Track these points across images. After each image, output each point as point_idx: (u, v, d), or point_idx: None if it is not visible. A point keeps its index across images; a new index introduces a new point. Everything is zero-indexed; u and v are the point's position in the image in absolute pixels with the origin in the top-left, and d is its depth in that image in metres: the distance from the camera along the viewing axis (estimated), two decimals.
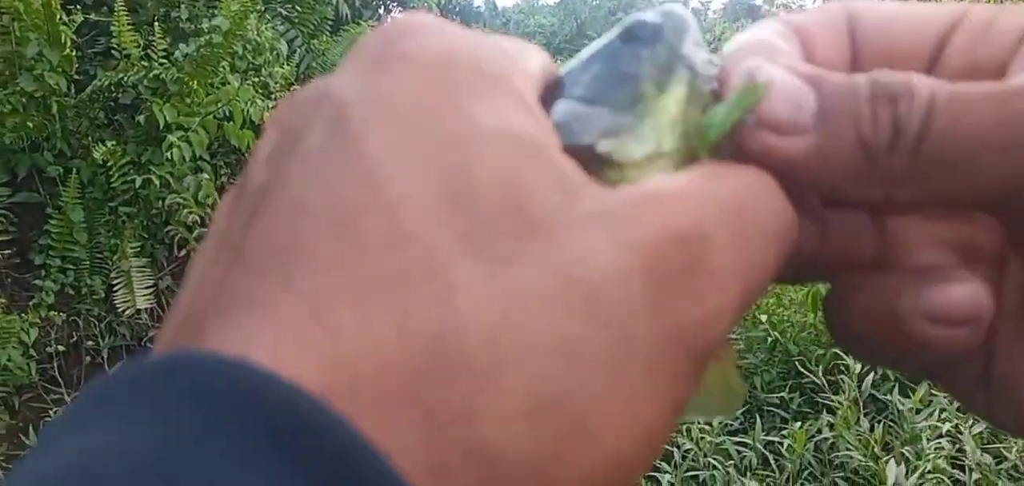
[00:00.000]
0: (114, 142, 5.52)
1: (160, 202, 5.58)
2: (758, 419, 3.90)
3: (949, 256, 0.25)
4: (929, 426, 2.71)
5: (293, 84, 6.82)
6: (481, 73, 0.21)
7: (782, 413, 3.46)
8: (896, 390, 3.74)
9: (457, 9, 29.78)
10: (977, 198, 0.23)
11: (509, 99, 0.21)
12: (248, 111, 5.80)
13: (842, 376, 3.71)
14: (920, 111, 0.22)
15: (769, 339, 4.18)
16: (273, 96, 6.41)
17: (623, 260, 0.19)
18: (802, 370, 3.87)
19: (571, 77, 0.25)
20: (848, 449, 2.81)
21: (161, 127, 5.43)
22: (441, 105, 0.20)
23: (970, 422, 2.58)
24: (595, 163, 0.22)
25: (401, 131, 0.20)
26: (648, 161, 0.23)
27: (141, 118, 5.61)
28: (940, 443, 2.61)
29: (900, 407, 2.86)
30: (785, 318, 4.37)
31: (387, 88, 0.21)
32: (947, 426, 2.67)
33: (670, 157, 0.23)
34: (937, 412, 2.76)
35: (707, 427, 3.52)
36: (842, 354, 3.75)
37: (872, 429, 2.84)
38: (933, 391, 3.57)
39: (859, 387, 3.57)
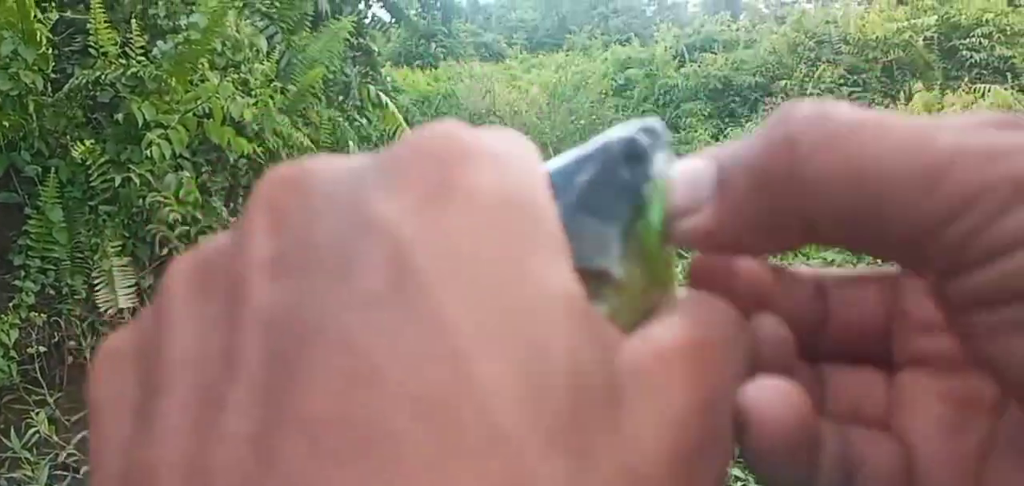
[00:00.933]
0: (93, 140, 5.48)
1: (141, 200, 5.55)
2: None
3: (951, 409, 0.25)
4: None
5: (273, 80, 6.81)
6: (529, 216, 0.20)
7: None
8: None
9: (438, 4, 29.43)
10: (875, 232, 0.22)
11: (555, 250, 0.20)
12: (228, 108, 5.79)
13: None
14: (797, 134, 0.22)
15: None
16: (253, 93, 6.39)
17: (668, 445, 0.19)
18: None
19: (560, 180, 0.24)
20: None
21: (140, 125, 5.40)
22: (506, 260, 0.19)
23: None
24: (596, 281, 0.23)
25: (475, 293, 0.18)
26: (643, 281, 0.24)
27: (120, 116, 5.57)
28: None
29: None
30: None
31: (451, 232, 0.18)
32: None
33: (653, 273, 0.25)
34: None
35: None
36: None
37: None
38: None
39: None
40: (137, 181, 5.41)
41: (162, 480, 0.17)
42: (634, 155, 0.25)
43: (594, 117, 12.08)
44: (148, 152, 5.36)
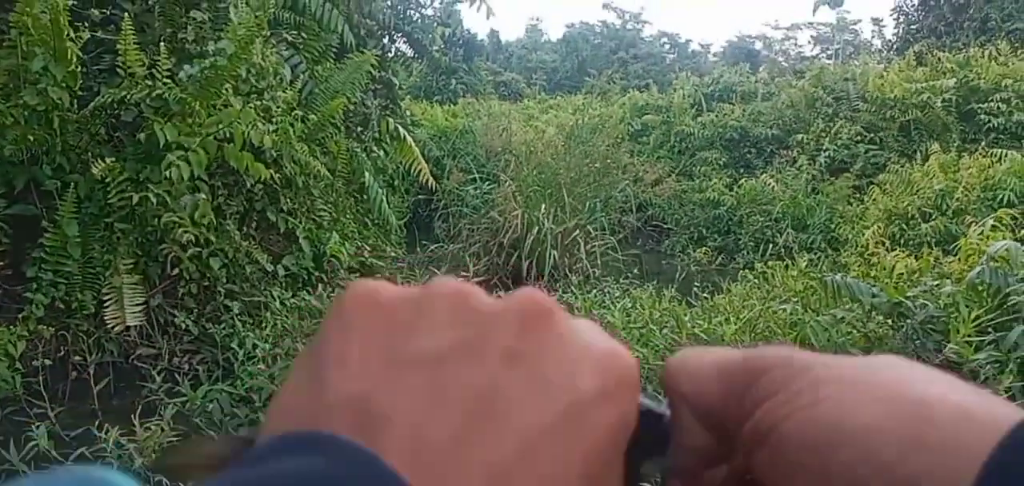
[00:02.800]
0: (113, 159, 5.56)
1: (156, 220, 5.60)
2: None
3: None
4: None
5: (294, 108, 6.89)
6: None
7: None
8: None
9: (461, 42, 29.70)
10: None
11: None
12: (249, 134, 5.86)
13: None
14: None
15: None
16: (274, 120, 6.47)
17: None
18: None
19: None
20: None
21: (161, 145, 5.48)
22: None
23: None
24: None
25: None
26: None
27: (142, 136, 5.66)
28: None
29: None
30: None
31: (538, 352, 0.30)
32: None
33: None
34: None
35: None
36: None
37: None
38: None
39: None
40: (154, 200, 5.47)
41: (400, 413, 0.27)
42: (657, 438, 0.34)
43: (609, 160, 12.11)
44: (167, 173, 5.42)
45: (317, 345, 0.31)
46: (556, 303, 0.32)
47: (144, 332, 5.99)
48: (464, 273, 6.79)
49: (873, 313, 4.28)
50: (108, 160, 5.47)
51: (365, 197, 8.15)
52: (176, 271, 5.85)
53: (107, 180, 5.48)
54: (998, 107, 13.15)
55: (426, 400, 0.28)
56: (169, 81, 5.65)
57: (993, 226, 6.09)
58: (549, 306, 0.32)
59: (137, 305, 5.69)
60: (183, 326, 5.91)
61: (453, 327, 0.30)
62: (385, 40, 10.38)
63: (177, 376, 5.20)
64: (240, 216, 6.41)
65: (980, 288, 4.56)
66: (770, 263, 7.55)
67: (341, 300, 0.32)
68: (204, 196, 5.73)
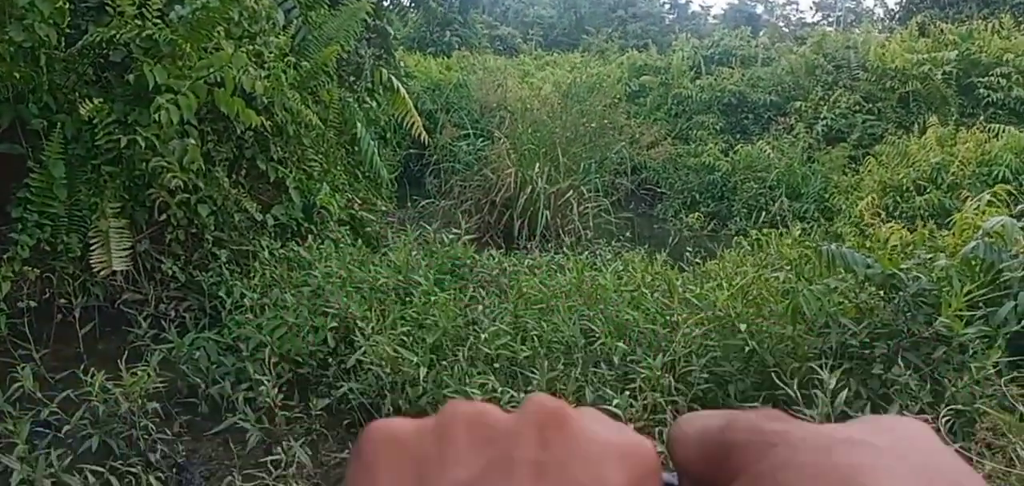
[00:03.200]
0: (101, 99, 5.44)
1: (144, 164, 5.51)
2: None
3: None
4: None
5: (287, 55, 6.76)
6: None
7: None
8: (868, 408, 3.78)
9: None
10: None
11: None
12: (240, 79, 5.74)
13: (816, 391, 3.74)
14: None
15: (746, 348, 4.20)
16: (266, 65, 6.35)
17: None
18: (777, 382, 3.90)
19: None
20: None
21: (151, 88, 5.36)
22: None
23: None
24: None
25: None
26: None
27: (131, 77, 5.53)
28: None
29: None
30: (764, 328, 4.39)
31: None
32: None
33: None
34: None
35: None
36: (818, 369, 3.78)
37: None
38: (905, 410, 3.59)
39: (832, 402, 3.60)
40: (142, 144, 5.37)
41: None
42: None
43: (606, 121, 12.01)
44: (156, 116, 5.31)
45: None
46: (564, 404, 0.33)
47: (130, 277, 5.93)
48: (456, 230, 6.73)
49: (866, 284, 4.26)
50: (96, 101, 5.36)
51: (356, 149, 8.05)
52: (164, 217, 5.77)
53: (94, 121, 5.38)
54: (998, 82, 13.09)
55: None
56: (159, 21, 5.52)
57: (989, 202, 6.07)
58: (561, 411, 0.33)
59: (124, 250, 5.62)
60: (170, 272, 5.85)
61: (476, 451, 0.31)
62: None
63: (163, 322, 5.16)
64: (229, 163, 6.32)
65: (974, 263, 4.55)
66: (764, 231, 7.52)
67: (361, 448, 0.33)
68: (193, 141, 5.63)
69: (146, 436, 4.10)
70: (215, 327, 5.20)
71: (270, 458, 3.88)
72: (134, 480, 3.62)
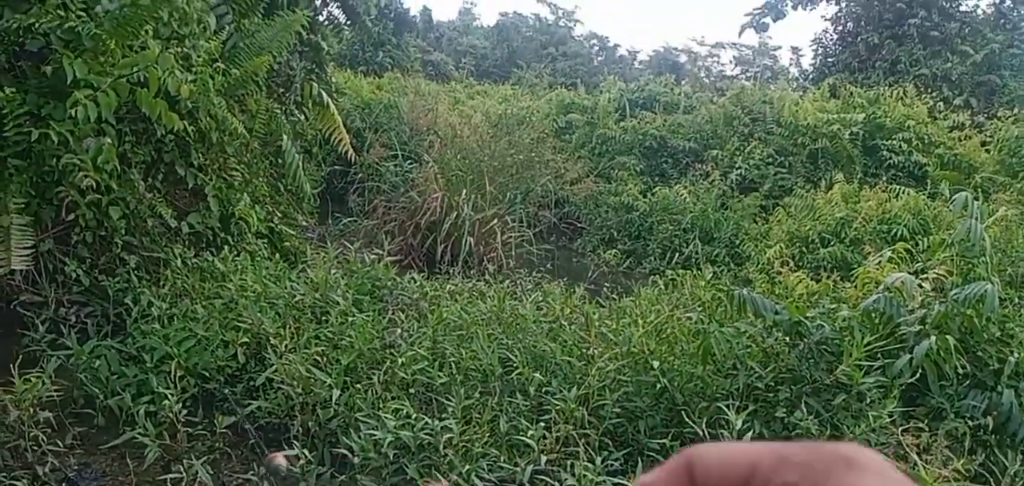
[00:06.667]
0: (14, 89, 5.18)
1: (54, 160, 5.25)
2: (639, 462, 4.04)
3: None
4: None
5: (216, 60, 6.61)
6: None
7: (661, 459, 3.54)
8: None
9: (392, 15, 29.15)
10: None
11: None
12: (165, 80, 5.57)
13: (722, 430, 3.89)
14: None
15: (658, 385, 4.33)
16: (194, 69, 6.19)
17: None
18: (686, 419, 4.03)
19: None
20: None
21: (69, 82, 5.14)
22: None
23: None
24: None
25: None
26: None
27: (48, 69, 5.29)
28: None
29: None
30: (675, 367, 4.54)
31: None
32: None
33: None
34: None
35: (589, 466, 3.61)
36: (725, 409, 3.93)
37: None
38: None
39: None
40: (55, 139, 5.13)
41: None
42: None
43: (533, 154, 12.19)
44: (72, 111, 5.09)
45: None
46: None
47: (30, 278, 5.63)
48: (378, 251, 6.68)
49: (774, 329, 4.46)
50: (8, 90, 5.10)
51: (280, 161, 7.90)
52: (72, 217, 5.52)
53: (4, 111, 5.11)
54: (900, 145, 14.01)
55: None
56: (83, 14, 5.31)
57: (889, 258, 6.45)
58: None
59: (25, 248, 5.34)
60: (74, 275, 5.59)
61: None
62: (317, 2, 10.08)
63: (63, 327, 4.92)
64: (147, 166, 6.10)
65: (874, 316, 4.83)
66: (679, 271, 7.76)
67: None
68: (110, 141, 5.42)
69: (35, 447, 3.90)
70: (119, 336, 4.99)
71: (169, 476, 3.75)
72: None
